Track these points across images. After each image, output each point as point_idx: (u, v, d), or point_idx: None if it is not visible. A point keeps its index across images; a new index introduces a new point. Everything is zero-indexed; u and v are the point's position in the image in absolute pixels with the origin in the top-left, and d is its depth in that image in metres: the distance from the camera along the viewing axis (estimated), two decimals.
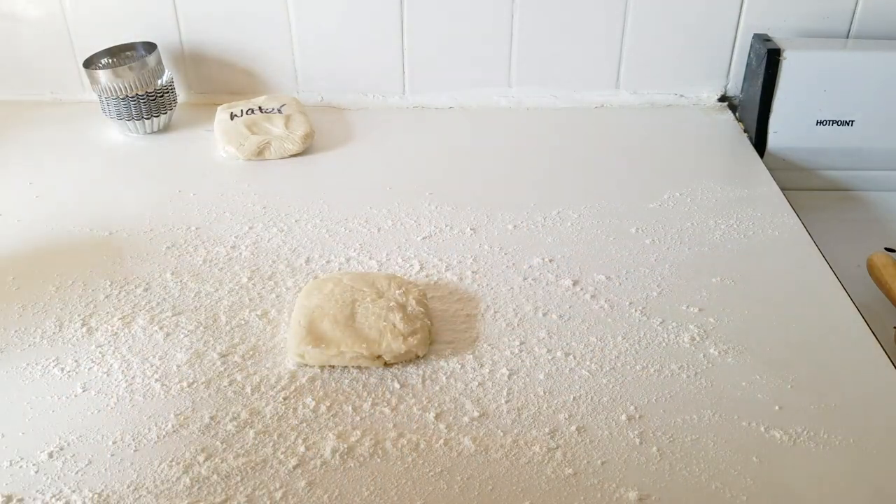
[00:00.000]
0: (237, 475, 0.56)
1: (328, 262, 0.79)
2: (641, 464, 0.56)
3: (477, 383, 0.64)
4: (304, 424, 0.60)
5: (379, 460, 0.57)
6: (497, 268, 0.78)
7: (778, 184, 0.95)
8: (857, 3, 1.06)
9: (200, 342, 0.68)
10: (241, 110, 1.05)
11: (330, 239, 0.83)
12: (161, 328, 0.70)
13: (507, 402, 0.62)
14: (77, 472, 0.56)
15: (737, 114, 1.12)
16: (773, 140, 1.04)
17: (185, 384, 0.64)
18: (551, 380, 0.64)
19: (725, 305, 0.73)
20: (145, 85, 1.03)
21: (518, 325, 0.70)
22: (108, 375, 0.65)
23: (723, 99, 1.15)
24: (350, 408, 0.61)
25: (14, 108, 1.13)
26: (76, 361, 0.66)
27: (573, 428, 0.59)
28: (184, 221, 0.87)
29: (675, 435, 0.59)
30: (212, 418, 0.60)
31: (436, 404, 0.62)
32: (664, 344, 0.68)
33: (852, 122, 1.02)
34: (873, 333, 0.70)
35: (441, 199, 0.90)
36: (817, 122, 1.02)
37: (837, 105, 1.01)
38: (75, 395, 0.63)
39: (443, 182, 0.95)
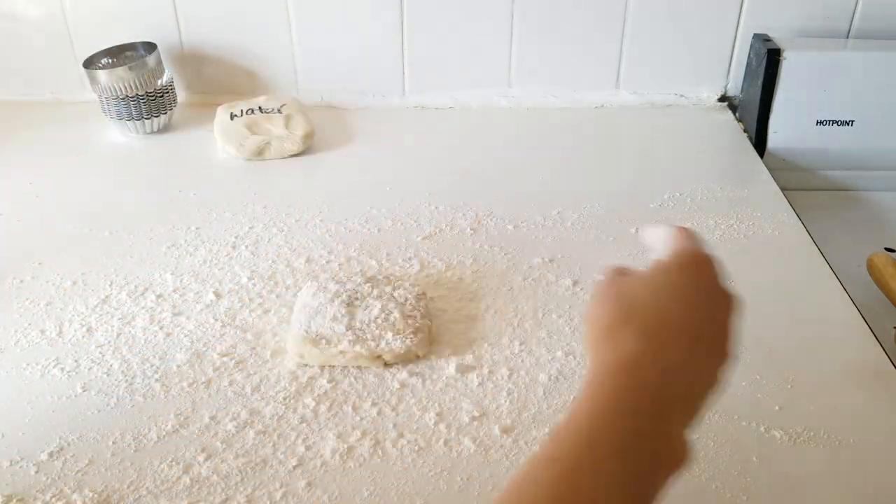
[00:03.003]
0: (237, 475, 0.56)
1: (328, 262, 0.79)
2: None
3: (477, 383, 0.64)
4: (304, 425, 0.60)
5: (379, 460, 0.57)
6: (497, 268, 0.78)
7: (778, 184, 0.95)
8: (857, 3, 1.05)
9: (200, 342, 0.68)
10: (241, 110, 1.05)
11: (330, 239, 0.83)
12: (161, 328, 0.70)
13: (507, 402, 0.62)
14: (77, 472, 0.56)
15: (737, 114, 1.12)
16: (773, 140, 1.03)
17: (185, 384, 0.64)
18: (551, 380, 0.64)
19: None
20: (145, 85, 1.03)
21: (518, 325, 0.70)
22: (108, 375, 0.65)
23: (723, 99, 1.14)
24: (350, 408, 0.61)
25: (14, 108, 1.13)
26: (76, 361, 0.66)
27: None
28: (184, 221, 0.86)
29: None
30: (212, 418, 0.60)
31: (436, 404, 0.62)
32: None
33: (852, 122, 1.02)
34: (873, 333, 0.69)
35: (441, 199, 0.90)
36: (817, 122, 1.02)
37: (837, 105, 1.01)
38: (75, 395, 0.63)
39: (443, 182, 0.95)
